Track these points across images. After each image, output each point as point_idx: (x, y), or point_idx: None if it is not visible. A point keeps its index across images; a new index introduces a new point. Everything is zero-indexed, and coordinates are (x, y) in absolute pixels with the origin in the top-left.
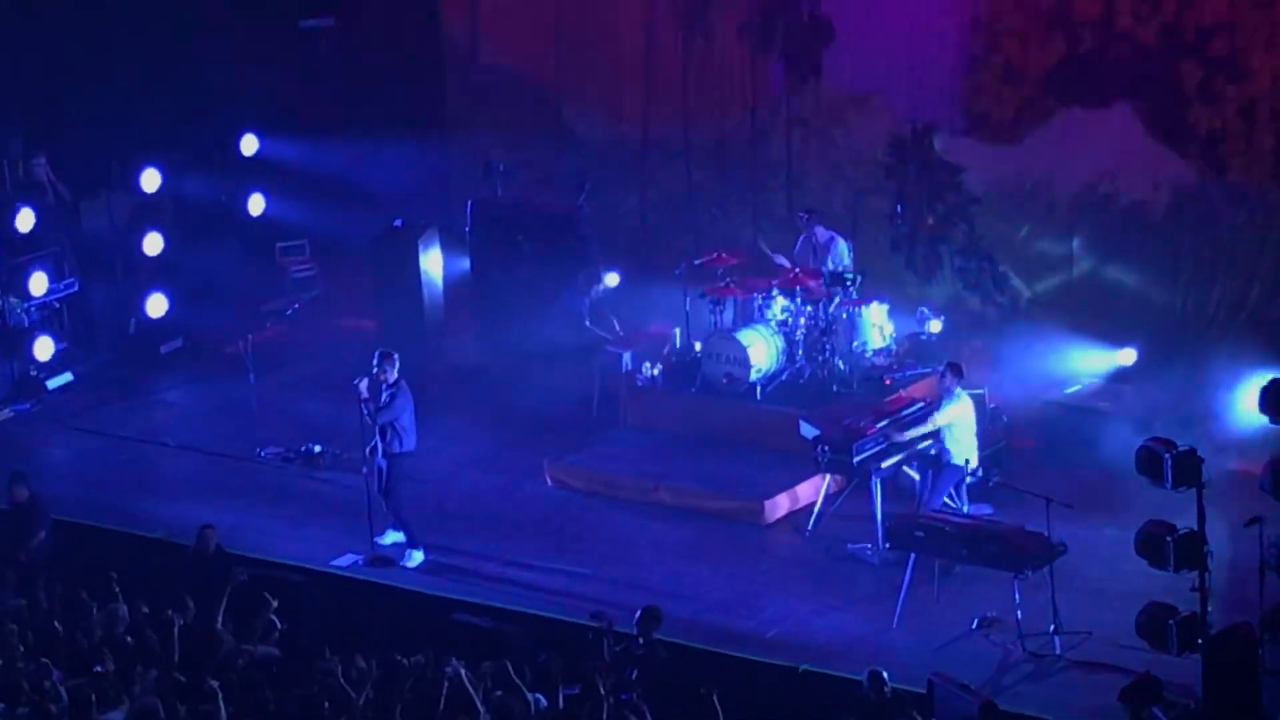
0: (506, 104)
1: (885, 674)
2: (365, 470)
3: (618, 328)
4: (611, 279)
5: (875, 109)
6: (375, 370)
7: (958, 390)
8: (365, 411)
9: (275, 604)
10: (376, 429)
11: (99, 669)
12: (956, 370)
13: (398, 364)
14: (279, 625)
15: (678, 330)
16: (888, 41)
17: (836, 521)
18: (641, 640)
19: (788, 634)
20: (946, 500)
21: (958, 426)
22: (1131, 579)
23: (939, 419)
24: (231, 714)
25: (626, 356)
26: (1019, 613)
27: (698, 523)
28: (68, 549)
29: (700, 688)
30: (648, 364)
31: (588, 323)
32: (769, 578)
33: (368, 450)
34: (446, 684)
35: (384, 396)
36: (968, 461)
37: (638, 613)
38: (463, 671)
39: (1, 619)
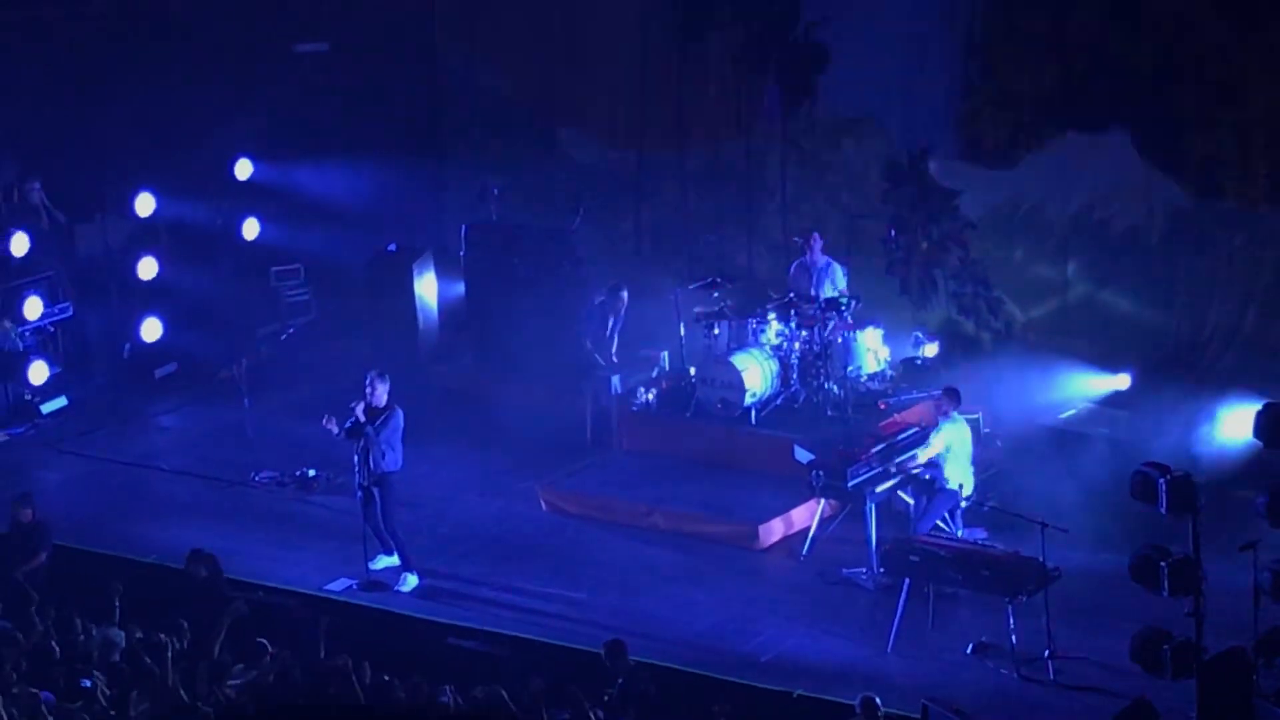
0: (501, 127)
1: (878, 699)
2: (359, 496)
3: (614, 355)
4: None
5: (870, 133)
6: (369, 392)
7: (954, 414)
8: (364, 434)
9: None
10: (360, 454)
11: (87, 684)
12: (953, 395)
13: (389, 384)
14: (270, 650)
15: (665, 353)
16: (883, 66)
17: (831, 546)
18: (621, 680)
19: (782, 659)
20: (940, 525)
21: (953, 451)
22: (1126, 604)
23: (932, 446)
24: None
25: (615, 380)
26: (1013, 637)
27: (692, 547)
28: (62, 573)
29: (714, 705)
30: (642, 388)
31: (588, 345)
32: (763, 602)
33: (356, 482)
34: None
35: (377, 418)
36: (961, 487)
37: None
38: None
39: None
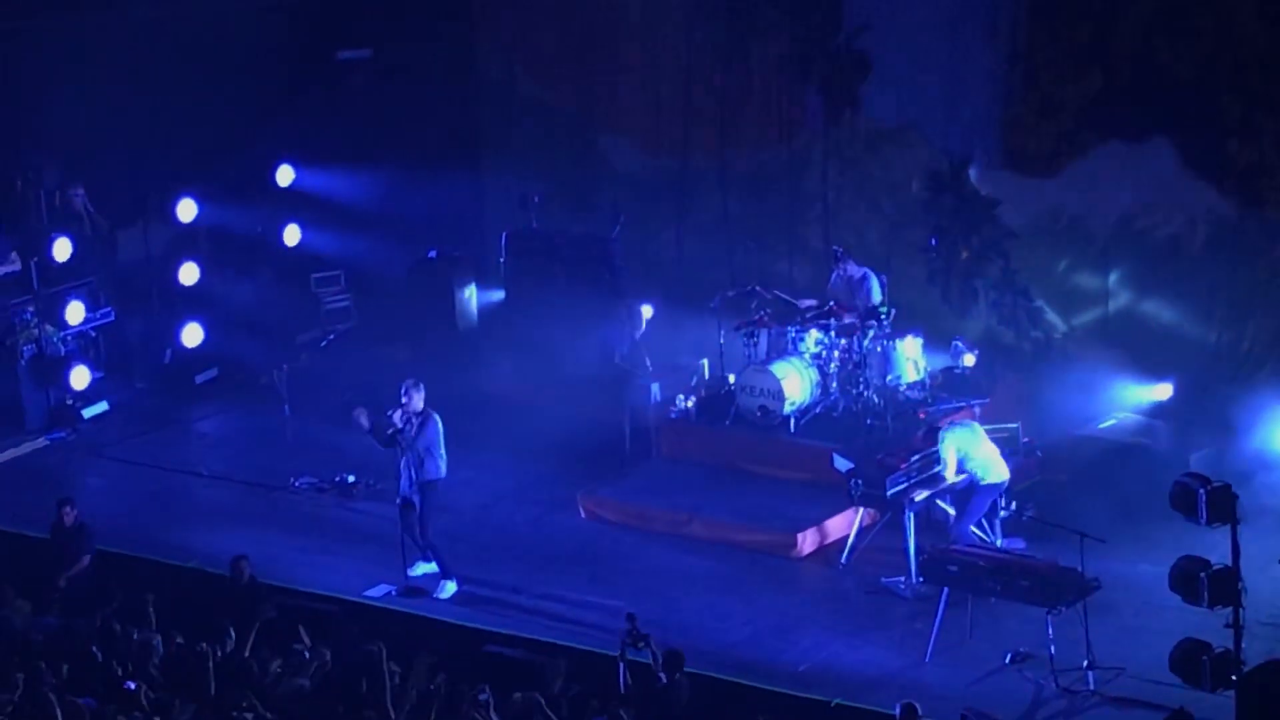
0: (542, 134)
1: (918, 706)
2: (399, 502)
3: (648, 364)
4: (646, 311)
5: (912, 141)
6: (404, 399)
7: (952, 424)
8: (403, 443)
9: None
10: (404, 459)
11: (131, 686)
12: (932, 434)
13: (424, 392)
14: (309, 656)
15: (705, 361)
16: (925, 74)
17: (869, 555)
18: (664, 677)
19: (820, 668)
20: (979, 534)
21: (968, 453)
22: (1165, 615)
23: (947, 462)
24: None
25: (655, 388)
26: (1052, 648)
27: (730, 555)
28: (103, 578)
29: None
30: (681, 396)
31: (617, 360)
32: (801, 611)
33: (400, 490)
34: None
35: (414, 425)
36: (1000, 480)
37: (661, 655)
38: (489, 701)
39: (35, 647)
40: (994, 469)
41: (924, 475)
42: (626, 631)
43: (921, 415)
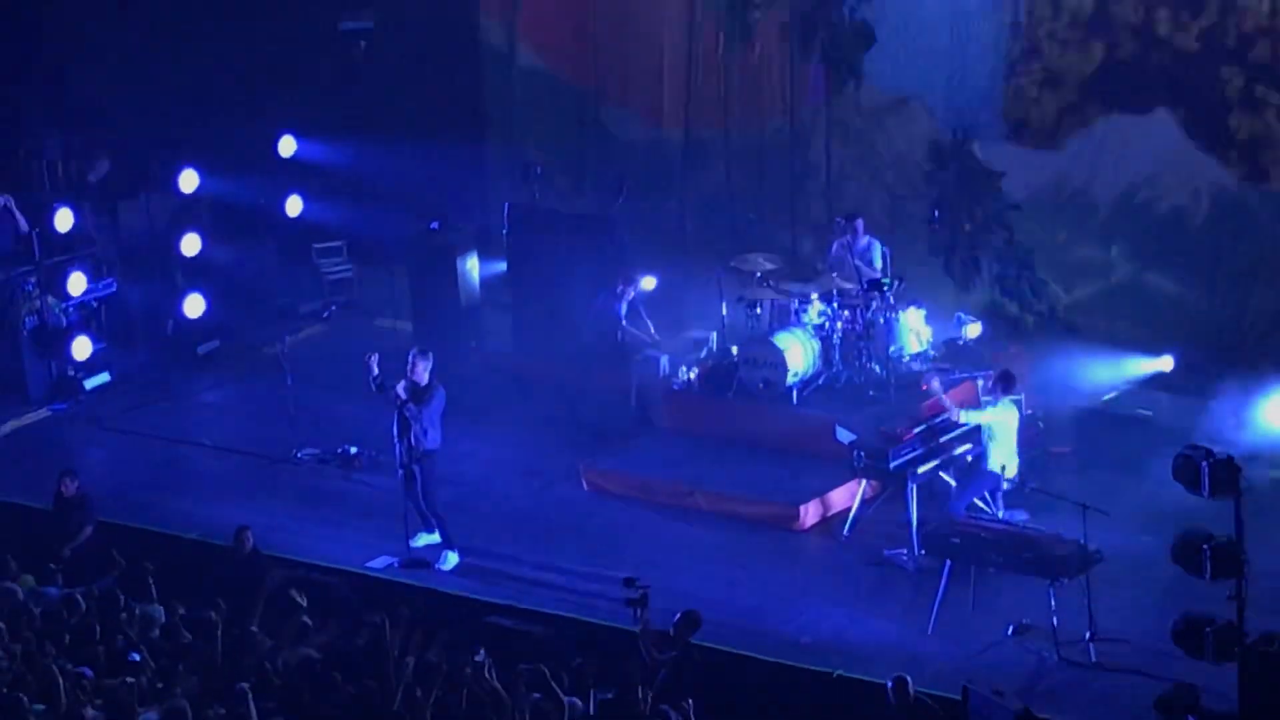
0: (545, 106)
1: (909, 679)
2: (400, 473)
3: (653, 331)
4: (648, 282)
5: (915, 113)
6: (410, 369)
7: (1001, 399)
8: (408, 413)
9: (305, 603)
10: (398, 431)
11: (136, 657)
12: (1007, 380)
13: (431, 362)
14: (312, 625)
15: (714, 334)
16: (928, 46)
17: (872, 527)
18: (674, 655)
19: (822, 639)
20: (981, 506)
21: (996, 435)
22: (1168, 587)
23: (975, 415)
24: (268, 714)
25: (664, 360)
26: (1054, 620)
27: (733, 527)
28: (105, 549)
29: None
30: (684, 368)
31: (624, 323)
32: (804, 583)
33: (398, 459)
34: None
35: (418, 395)
36: (1004, 469)
37: (676, 615)
38: (487, 662)
39: (33, 617)
40: (1006, 459)
41: (928, 446)
42: (627, 599)
43: (924, 388)
